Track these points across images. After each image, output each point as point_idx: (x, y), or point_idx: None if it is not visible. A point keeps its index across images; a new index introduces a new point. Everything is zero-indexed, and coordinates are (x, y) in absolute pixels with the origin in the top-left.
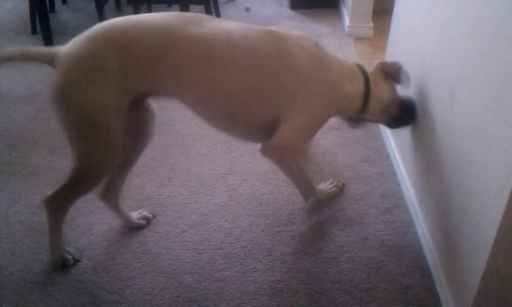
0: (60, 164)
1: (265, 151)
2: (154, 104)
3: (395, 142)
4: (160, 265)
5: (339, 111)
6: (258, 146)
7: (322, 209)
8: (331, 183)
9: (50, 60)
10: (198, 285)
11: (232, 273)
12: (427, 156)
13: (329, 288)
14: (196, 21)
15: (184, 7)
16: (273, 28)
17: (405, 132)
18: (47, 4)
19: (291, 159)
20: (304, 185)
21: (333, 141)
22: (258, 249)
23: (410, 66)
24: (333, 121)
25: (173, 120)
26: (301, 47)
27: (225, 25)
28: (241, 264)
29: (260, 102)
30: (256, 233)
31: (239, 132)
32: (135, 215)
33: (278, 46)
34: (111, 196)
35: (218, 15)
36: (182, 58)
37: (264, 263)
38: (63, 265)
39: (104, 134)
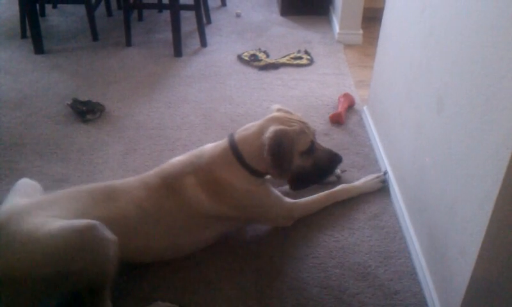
0: (48, 168)
1: (289, 224)
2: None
3: (383, 148)
4: (149, 269)
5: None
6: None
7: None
8: (377, 177)
9: None
10: (186, 289)
11: (219, 276)
12: (415, 162)
13: (317, 293)
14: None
15: (175, 14)
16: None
17: (393, 138)
18: (38, 8)
19: (298, 211)
20: (327, 201)
21: None
22: (246, 252)
23: (399, 73)
24: (323, 127)
25: (163, 125)
26: (186, 183)
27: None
28: (229, 267)
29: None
30: (245, 237)
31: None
32: None
33: (176, 199)
34: None
35: (209, 21)
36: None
37: (252, 267)
38: None
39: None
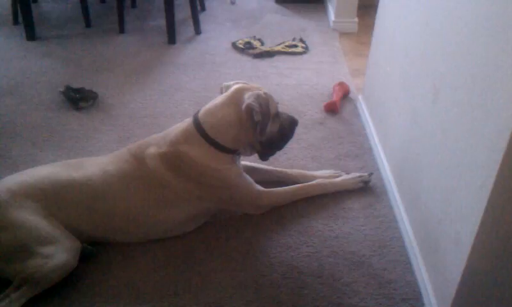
0: (41, 155)
1: (259, 213)
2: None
3: (378, 137)
4: (142, 257)
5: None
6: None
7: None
8: (359, 176)
9: None
10: (180, 278)
11: (214, 266)
12: (410, 151)
13: (311, 282)
14: (76, 165)
15: (169, 1)
16: (135, 147)
17: (388, 128)
18: None
19: (267, 200)
20: (300, 195)
21: (316, 135)
22: (241, 242)
23: (394, 62)
24: (317, 115)
25: (157, 113)
26: (153, 157)
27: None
28: (223, 257)
29: (165, 208)
30: (239, 227)
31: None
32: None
33: (138, 166)
34: None
35: (203, 8)
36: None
37: (246, 257)
38: None
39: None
